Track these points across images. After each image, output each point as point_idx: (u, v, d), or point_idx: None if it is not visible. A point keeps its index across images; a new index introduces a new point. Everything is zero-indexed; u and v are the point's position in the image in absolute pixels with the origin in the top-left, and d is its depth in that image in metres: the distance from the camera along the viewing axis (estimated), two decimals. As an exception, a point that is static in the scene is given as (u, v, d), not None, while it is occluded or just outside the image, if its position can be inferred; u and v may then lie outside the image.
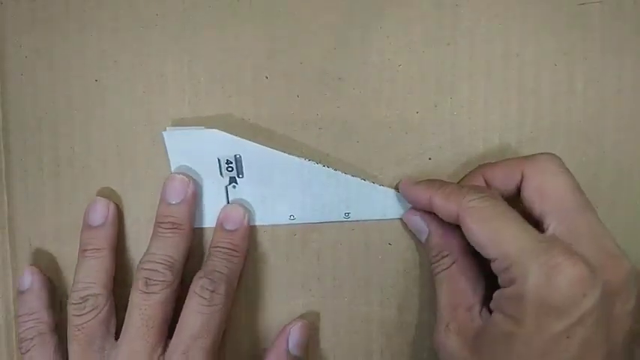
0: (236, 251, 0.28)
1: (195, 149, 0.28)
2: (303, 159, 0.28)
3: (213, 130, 0.28)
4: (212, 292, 0.26)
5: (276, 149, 0.28)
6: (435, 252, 0.27)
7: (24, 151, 0.29)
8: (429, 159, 0.29)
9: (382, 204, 0.29)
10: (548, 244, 0.22)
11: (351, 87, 0.29)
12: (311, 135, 0.29)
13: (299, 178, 0.29)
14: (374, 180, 0.29)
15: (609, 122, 0.29)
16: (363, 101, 0.29)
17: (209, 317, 0.26)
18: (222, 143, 0.28)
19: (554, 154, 0.26)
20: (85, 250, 0.28)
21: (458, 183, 0.28)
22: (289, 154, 0.28)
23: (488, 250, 0.23)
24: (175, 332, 0.26)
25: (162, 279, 0.26)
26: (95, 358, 0.26)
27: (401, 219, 0.29)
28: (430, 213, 0.27)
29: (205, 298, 0.26)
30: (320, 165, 0.28)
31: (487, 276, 0.26)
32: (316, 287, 0.29)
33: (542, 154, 0.26)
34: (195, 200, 0.28)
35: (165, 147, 0.28)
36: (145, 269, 0.27)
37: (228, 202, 0.29)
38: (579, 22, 0.29)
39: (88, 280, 0.27)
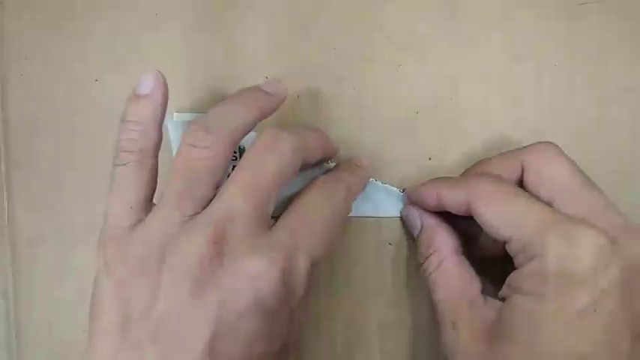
0: (364, 175, 0.27)
1: None
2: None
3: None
4: (348, 189, 0.25)
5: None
6: (423, 249, 0.26)
7: (24, 151, 0.29)
8: (429, 159, 0.29)
9: (383, 201, 0.29)
10: (564, 216, 0.22)
11: (351, 87, 0.29)
12: (311, 135, 0.29)
13: (300, 175, 0.29)
14: (374, 179, 0.29)
15: (609, 122, 0.29)
16: (363, 101, 0.29)
17: (334, 211, 0.24)
18: None
19: (551, 142, 0.25)
20: (241, 96, 0.25)
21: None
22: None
23: (503, 231, 0.23)
24: (285, 216, 0.23)
25: (292, 142, 0.23)
26: (190, 204, 0.22)
27: (401, 217, 0.29)
28: (427, 211, 0.27)
29: (339, 189, 0.24)
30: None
31: (481, 271, 0.26)
32: (316, 287, 0.29)
33: (539, 142, 0.25)
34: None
35: (169, 134, 0.28)
36: (274, 130, 0.23)
37: None
38: (579, 22, 0.29)
39: (223, 117, 0.23)
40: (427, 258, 0.26)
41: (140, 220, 0.23)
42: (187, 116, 0.28)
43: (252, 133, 0.26)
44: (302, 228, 0.23)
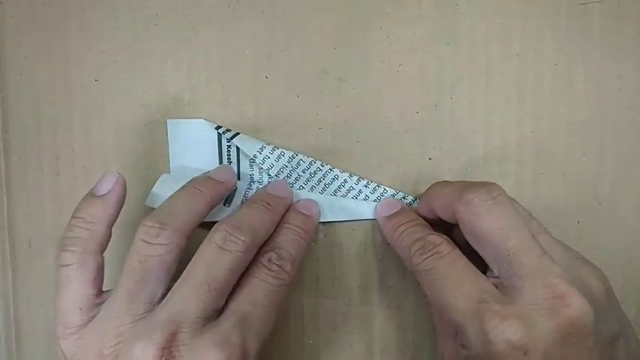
0: (305, 233, 0.26)
1: (195, 139, 0.28)
2: (303, 155, 0.28)
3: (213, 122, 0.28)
4: (279, 266, 0.24)
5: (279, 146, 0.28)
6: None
7: (24, 151, 0.29)
8: (429, 159, 0.29)
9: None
10: (482, 305, 0.21)
11: (351, 87, 0.29)
12: (311, 135, 0.29)
13: (304, 176, 0.29)
14: (374, 179, 0.29)
15: (609, 122, 0.29)
16: (363, 101, 0.29)
17: (272, 289, 0.24)
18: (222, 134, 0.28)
19: (488, 187, 0.23)
20: (192, 186, 0.25)
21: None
22: (288, 149, 0.28)
23: (441, 313, 0.23)
24: (232, 298, 0.24)
25: (242, 238, 0.24)
26: (142, 303, 0.23)
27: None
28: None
29: (272, 270, 0.24)
30: (319, 162, 0.29)
31: None
32: (316, 287, 0.29)
33: (473, 189, 0.23)
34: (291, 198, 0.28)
35: (168, 135, 0.29)
36: (228, 224, 0.24)
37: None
38: (579, 22, 0.29)
39: (174, 211, 0.24)
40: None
41: (91, 318, 0.23)
42: (179, 122, 0.29)
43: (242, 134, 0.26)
44: (252, 314, 0.23)
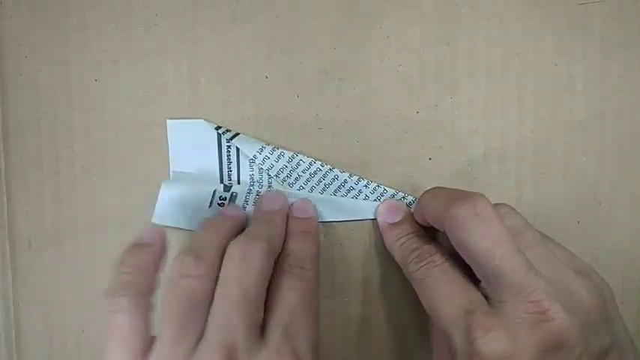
0: (310, 232, 0.27)
1: (195, 139, 0.29)
2: (303, 156, 0.28)
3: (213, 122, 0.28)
4: (300, 268, 0.25)
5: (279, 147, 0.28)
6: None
7: (24, 151, 0.29)
8: (429, 159, 0.29)
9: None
10: (469, 316, 0.22)
11: (351, 87, 0.29)
12: (311, 135, 0.29)
13: (304, 176, 0.29)
14: (374, 179, 0.29)
15: (609, 122, 0.29)
16: (363, 101, 0.29)
17: (303, 292, 0.25)
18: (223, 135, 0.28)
19: (472, 200, 0.23)
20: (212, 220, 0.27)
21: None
22: (288, 149, 0.28)
23: (433, 319, 0.24)
24: (269, 312, 0.24)
25: (260, 244, 0.24)
26: (194, 334, 0.23)
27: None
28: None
29: (295, 274, 0.25)
30: (319, 163, 0.29)
31: None
32: (317, 287, 0.29)
33: (458, 203, 0.23)
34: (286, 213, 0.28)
35: (167, 136, 0.29)
36: (240, 239, 0.25)
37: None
38: (579, 22, 0.29)
39: (210, 242, 0.25)
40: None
41: None
42: (179, 122, 0.29)
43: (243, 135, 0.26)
44: (293, 321, 0.24)
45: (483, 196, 0.23)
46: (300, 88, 0.29)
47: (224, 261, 0.24)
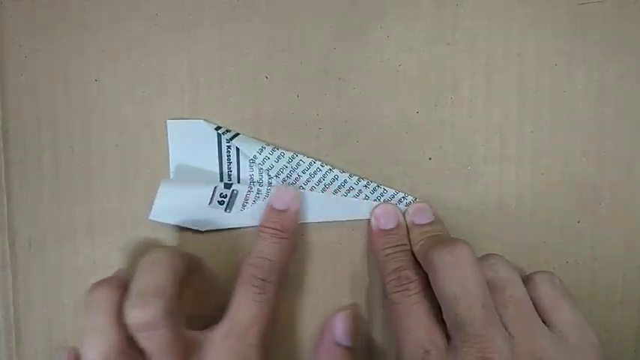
0: (284, 232, 0.27)
1: (195, 140, 0.29)
2: (303, 156, 0.28)
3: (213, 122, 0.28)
4: (263, 280, 0.26)
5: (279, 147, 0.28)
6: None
7: (24, 151, 0.29)
8: (429, 159, 0.29)
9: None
10: (425, 355, 0.24)
11: (351, 87, 0.29)
12: (311, 135, 0.29)
13: (304, 176, 0.29)
14: (374, 179, 0.29)
15: (609, 122, 0.29)
16: (363, 101, 0.29)
17: (261, 304, 0.26)
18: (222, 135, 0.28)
19: (452, 247, 0.24)
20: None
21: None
22: (288, 149, 0.28)
23: (395, 342, 0.25)
24: (227, 318, 0.26)
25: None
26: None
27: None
28: None
29: (257, 287, 0.26)
30: (319, 163, 0.29)
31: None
32: (316, 287, 0.29)
33: (438, 247, 0.25)
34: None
35: (167, 137, 0.29)
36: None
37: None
38: (579, 22, 0.29)
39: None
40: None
41: None
42: (179, 122, 0.29)
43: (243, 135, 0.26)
44: (245, 334, 0.25)
45: (467, 244, 0.24)
46: (300, 88, 0.29)
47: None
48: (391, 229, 0.28)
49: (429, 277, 0.25)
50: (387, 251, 0.27)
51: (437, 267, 0.24)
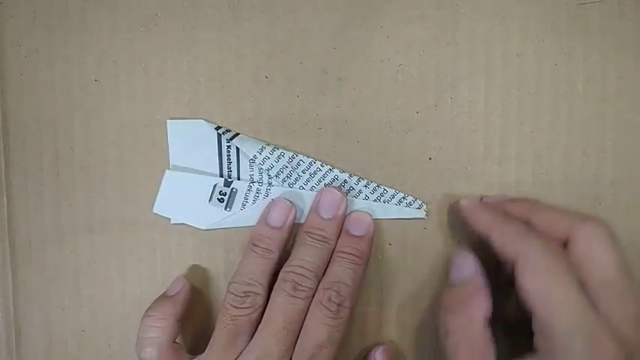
0: (360, 258, 0.27)
1: (195, 140, 0.29)
2: (303, 156, 0.28)
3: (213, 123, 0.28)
4: (339, 305, 0.26)
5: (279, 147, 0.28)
6: (454, 302, 0.26)
7: (24, 151, 0.29)
8: (429, 159, 0.29)
9: (382, 205, 0.29)
10: (596, 324, 0.22)
11: (351, 87, 0.29)
12: (311, 135, 0.29)
13: (304, 176, 0.29)
14: (374, 179, 0.29)
15: (609, 122, 0.29)
16: (363, 101, 0.29)
17: (334, 329, 0.26)
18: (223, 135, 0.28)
19: (602, 223, 0.24)
20: (256, 246, 0.27)
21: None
22: (288, 149, 0.28)
23: (536, 307, 0.23)
24: (300, 340, 0.26)
25: (309, 286, 0.26)
26: (234, 352, 0.26)
27: (402, 219, 0.29)
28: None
29: (332, 311, 0.26)
30: (319, 163, 0.29)
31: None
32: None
33: (591, 220, 0.24)
34: (342, 220, 0.28)
35: (167, 137, 0.29)
36: (295, 273, 0.26)
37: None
38: (579, 22, 0.29)
39: (253, 277, 0.27)
40: (452, 313, 0.25)
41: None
42: (179, 122, 0.29)
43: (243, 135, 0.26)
44: (318, 355, 0.25)
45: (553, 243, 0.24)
46: (300, 88, 0.29)
47: (275, 290, 0.26)
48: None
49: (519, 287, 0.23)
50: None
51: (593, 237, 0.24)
